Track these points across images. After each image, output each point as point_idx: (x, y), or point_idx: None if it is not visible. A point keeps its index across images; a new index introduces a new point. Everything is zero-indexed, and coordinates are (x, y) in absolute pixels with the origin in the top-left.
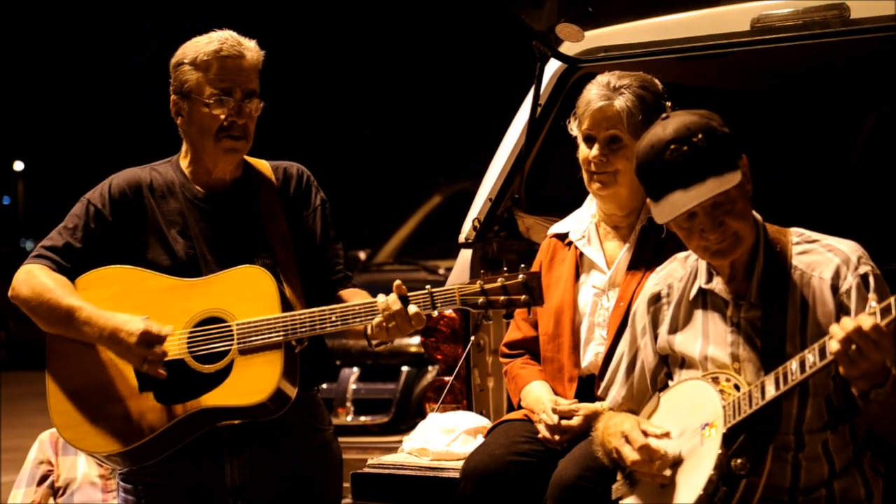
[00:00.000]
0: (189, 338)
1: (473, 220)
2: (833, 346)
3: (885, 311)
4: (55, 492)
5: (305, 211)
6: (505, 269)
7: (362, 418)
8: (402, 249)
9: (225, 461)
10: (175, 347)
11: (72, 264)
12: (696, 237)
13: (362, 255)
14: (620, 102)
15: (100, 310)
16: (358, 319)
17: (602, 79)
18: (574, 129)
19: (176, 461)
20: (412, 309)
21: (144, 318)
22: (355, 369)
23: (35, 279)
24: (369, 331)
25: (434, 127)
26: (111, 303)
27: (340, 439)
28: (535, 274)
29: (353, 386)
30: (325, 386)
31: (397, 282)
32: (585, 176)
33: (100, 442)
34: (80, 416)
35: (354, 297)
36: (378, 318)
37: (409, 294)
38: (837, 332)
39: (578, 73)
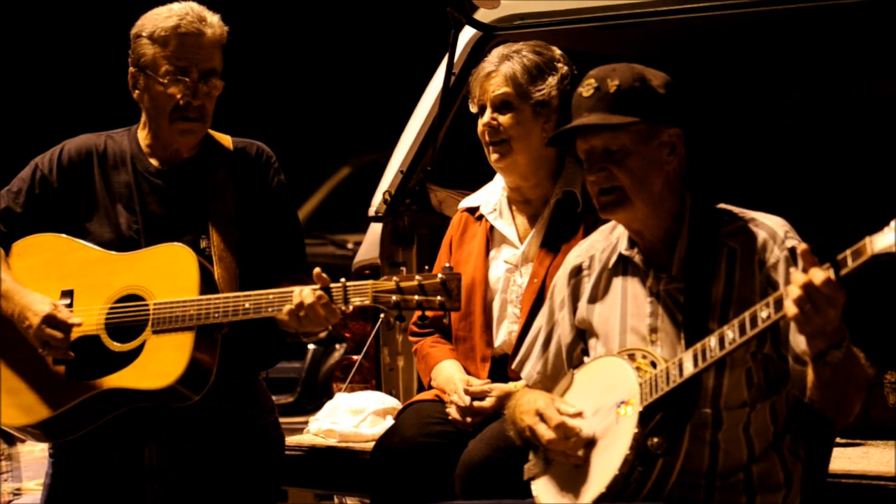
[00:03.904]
0: (108, 313)
1: (384, 193)
2: (792, 292)
3: (837, 265)
4: None
5: (258, 192)
6: (426, 267)
7: None
8: (310, 223)
9: (143, 443)
10: (93, 322)
11: (9, 229)
12: (587, 174)
13: None
14: (506, 67)
15: (18, 286)
16: (271, 309)
17: (496, 50)
18: (472, 106)
19: (97, 439)
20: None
21: (56, 301)
22: None
23: None
24: (285, 319)
25: (343, 95)
26: (39, 272)
27: None
28: (456, 275)
29: None
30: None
31: (317, 270)
32: (485, 149)
33: (12, 414)
34: None
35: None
36: (288, 307)
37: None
38: (793, 290)
39: (494, 41)
